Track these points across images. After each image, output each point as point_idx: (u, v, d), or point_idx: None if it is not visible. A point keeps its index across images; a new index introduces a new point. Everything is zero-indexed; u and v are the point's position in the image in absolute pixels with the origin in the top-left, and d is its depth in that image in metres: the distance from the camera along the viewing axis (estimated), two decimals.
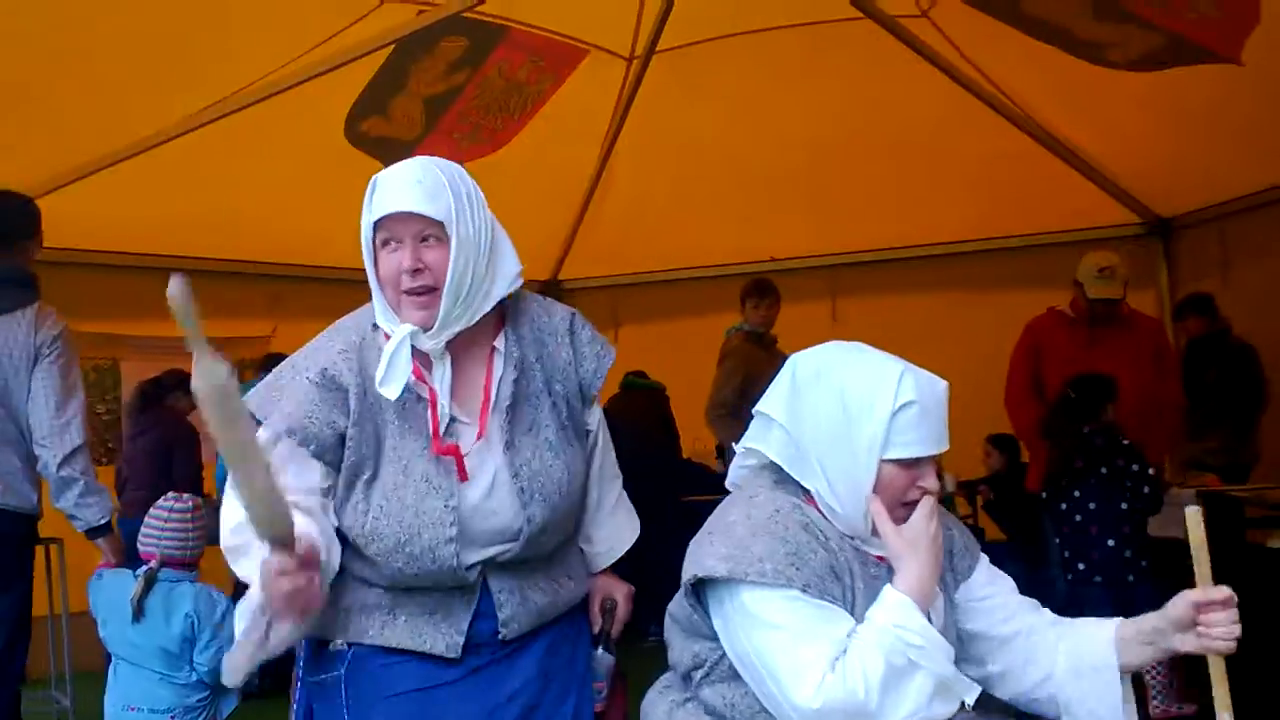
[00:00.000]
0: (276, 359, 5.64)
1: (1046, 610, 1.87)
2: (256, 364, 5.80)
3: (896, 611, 1.64)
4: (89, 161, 4.89)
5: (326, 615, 1.80)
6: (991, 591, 1.85)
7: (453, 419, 1.82)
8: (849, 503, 1.72)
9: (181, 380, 5.59)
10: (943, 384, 1.76)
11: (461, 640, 1.82)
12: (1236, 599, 1.66)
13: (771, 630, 1.64)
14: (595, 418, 2.03)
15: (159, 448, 5.26)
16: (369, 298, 1.88)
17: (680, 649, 1.83)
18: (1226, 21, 4.61)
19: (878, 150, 6.16)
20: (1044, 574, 4.65)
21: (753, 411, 1.88)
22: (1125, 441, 4.17)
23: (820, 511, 1.76)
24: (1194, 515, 1.68)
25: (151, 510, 3.20)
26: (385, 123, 5.25)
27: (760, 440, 1.83)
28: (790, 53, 5.51)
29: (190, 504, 3.19)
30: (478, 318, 1.83)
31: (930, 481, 1.72)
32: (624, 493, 2.13)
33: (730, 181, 6.49)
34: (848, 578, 1.71)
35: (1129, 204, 6.69)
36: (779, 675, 1.63)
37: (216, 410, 1.31)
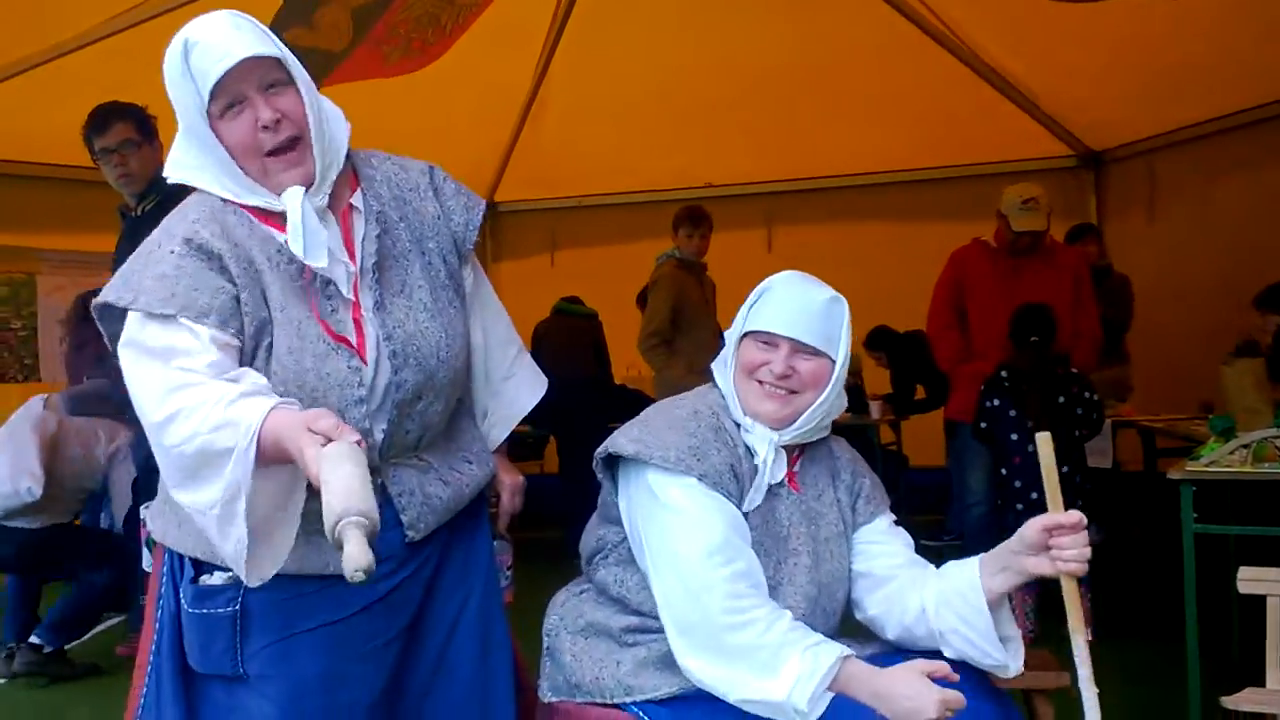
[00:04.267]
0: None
1: (931, 566, 1.92)
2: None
3: (810, 685, 1.62)
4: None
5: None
6: (885, 539, 1.94)
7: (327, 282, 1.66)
8: (726, 381, 1.90)
9: None
10: (822, 291, 1.87)
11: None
12: (1086, 521, 1.71)
13: (669, 513, 1.76)
14: (471, 279, 1.87)
15: (104, 355, 5.29)
16: None
17: (590, 535, 1.95)
18: None
19: (817, 77, 6.12)
20: (960, 503, 4.77)
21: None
22: (1074, 370, 4.27)
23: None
24: (1044, 440, 1.72)
25: None
26: (310, 33, 5.07)
27: None
28: None
29: None
30: (340, 167, 1.68)
31: (778, 363, 1.82)
32: (523, 354, 2.01)
33: (668, 105, 6.40)
34: (746, 481, 1.82)
35: (1061, 136, 6.77)
36: (674, 551, 1.74)
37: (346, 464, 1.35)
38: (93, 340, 5.35)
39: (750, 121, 6.58)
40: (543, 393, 2.02)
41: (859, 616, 1.93)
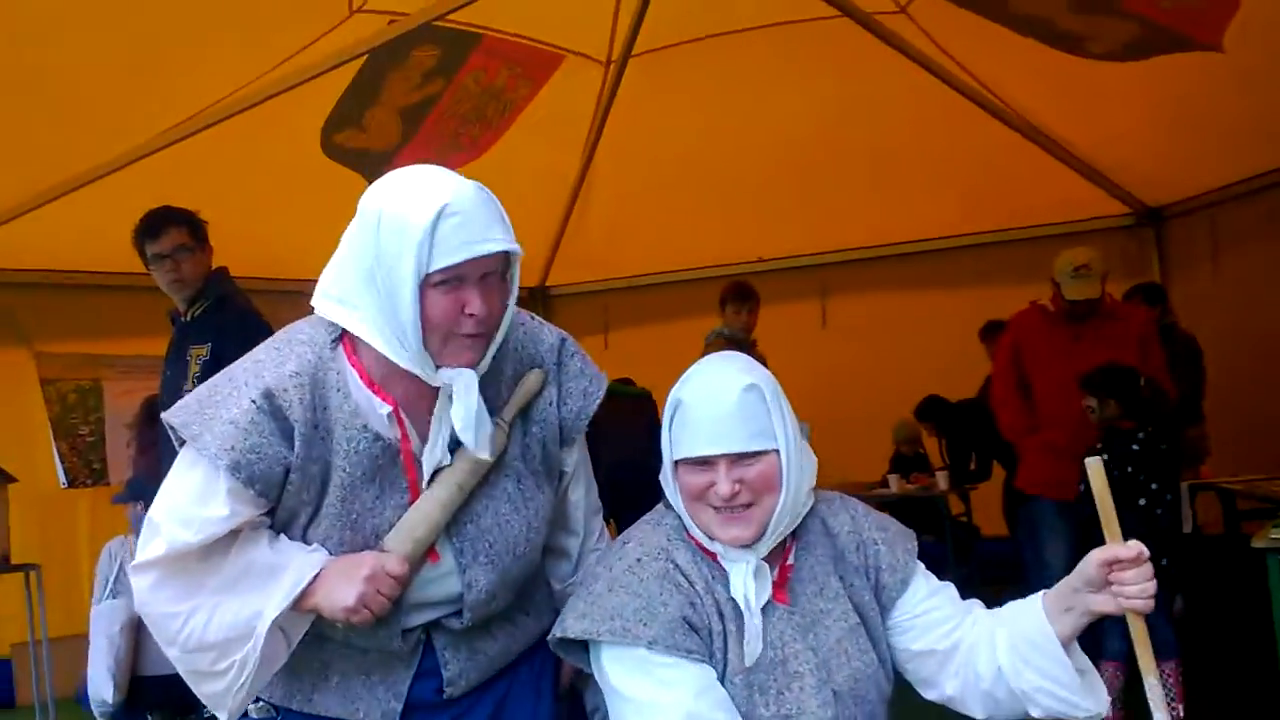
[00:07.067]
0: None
1: (978, 605, 1.78)
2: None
3: None
4: (62, 181, 4.82)
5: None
6: (931, 605, 1.75)
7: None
8: (678, 505, 1.72)
9: None
10: (734, 384, 1.66)
11: (399, 707, 1.64)
12: (1148, 555, 1.56)
13: (621, 701, 1.61)
14: (574, 459, 1.81)
15: (169, 458, 5.36)
16: None
17: (591, 687, 1.78)
18: (1207, 8, 4.57)
19: (861, 148, 6.12)
20: (1038, 579, 4.59)
21: None
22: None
23: (697, 544, 1.69)
24: (1095, 466, 1.57)
25: None
26: (361, 134, 5.20)
27: None
28: (768, 52, 5.47)
29: None
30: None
31: (722, 484, 1.63)
32: (604, 530, 1.95)
33: (714, 183, 6.45)
34: (714, 623, 1.64)
35: (1117, 194, 6.66)
36: None
37: (465, 472, 1.59)
38: (158, 441, 5.44)
39: (796, 194, 6.58)
40: None
41: (934, 697, 1.77)
